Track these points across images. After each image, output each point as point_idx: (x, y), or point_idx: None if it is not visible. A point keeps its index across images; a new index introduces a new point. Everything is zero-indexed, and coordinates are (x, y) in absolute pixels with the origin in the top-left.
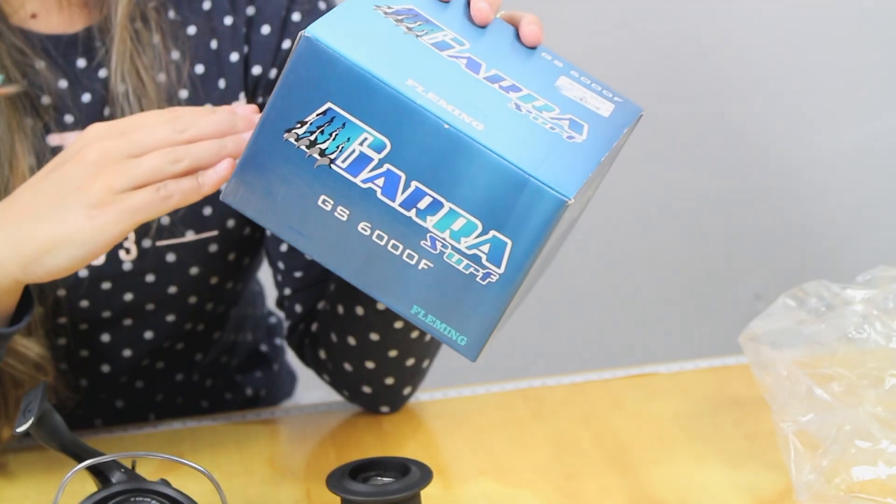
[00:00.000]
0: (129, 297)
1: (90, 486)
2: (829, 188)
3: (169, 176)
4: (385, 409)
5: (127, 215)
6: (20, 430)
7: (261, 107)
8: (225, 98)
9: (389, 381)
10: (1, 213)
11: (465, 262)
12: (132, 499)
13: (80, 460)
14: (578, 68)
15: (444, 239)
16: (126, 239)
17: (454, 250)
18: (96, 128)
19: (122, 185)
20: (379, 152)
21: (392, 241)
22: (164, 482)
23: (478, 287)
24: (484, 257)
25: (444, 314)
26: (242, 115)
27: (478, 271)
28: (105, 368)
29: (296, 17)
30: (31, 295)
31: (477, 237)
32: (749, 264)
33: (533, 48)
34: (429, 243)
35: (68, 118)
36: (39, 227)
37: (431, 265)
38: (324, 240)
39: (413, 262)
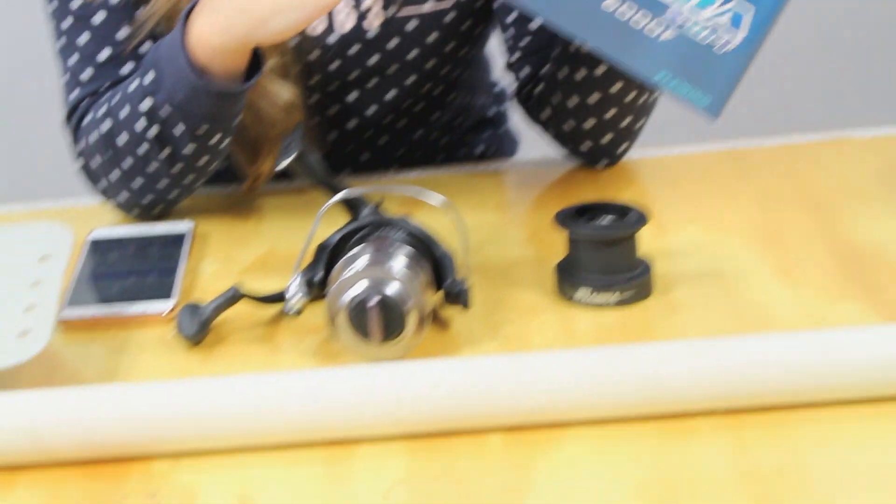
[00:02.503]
0: (374, 59)
1: (338, 222)
2: None
3: None
4: (603, 162)
5: None
6: (283, 164)
7: None
8: None
9: (607, 138)
10: None
11: (709, 30)
12: (379, 229)
13: (334, 193)
14: None
15: (688, 10)
16: (371, 9)
17: (698, 19)
18: None
19: None
20: None
21: (639, 13)
22: (406, 218)
23: (720, 51)
24: (726, 25)
25: (689, 78)
26: None
27: (721, 38)
28: (352, 124)
29: None
30: (260, 57)
31: (720, 5)
32: None
33: None
34: (672, 15)
35: None
36: None
37: (676, 34)
38: (577, 16)
39: (658, 33)
